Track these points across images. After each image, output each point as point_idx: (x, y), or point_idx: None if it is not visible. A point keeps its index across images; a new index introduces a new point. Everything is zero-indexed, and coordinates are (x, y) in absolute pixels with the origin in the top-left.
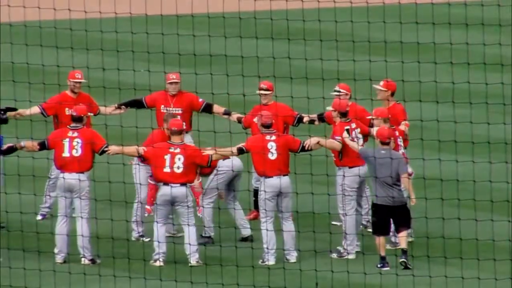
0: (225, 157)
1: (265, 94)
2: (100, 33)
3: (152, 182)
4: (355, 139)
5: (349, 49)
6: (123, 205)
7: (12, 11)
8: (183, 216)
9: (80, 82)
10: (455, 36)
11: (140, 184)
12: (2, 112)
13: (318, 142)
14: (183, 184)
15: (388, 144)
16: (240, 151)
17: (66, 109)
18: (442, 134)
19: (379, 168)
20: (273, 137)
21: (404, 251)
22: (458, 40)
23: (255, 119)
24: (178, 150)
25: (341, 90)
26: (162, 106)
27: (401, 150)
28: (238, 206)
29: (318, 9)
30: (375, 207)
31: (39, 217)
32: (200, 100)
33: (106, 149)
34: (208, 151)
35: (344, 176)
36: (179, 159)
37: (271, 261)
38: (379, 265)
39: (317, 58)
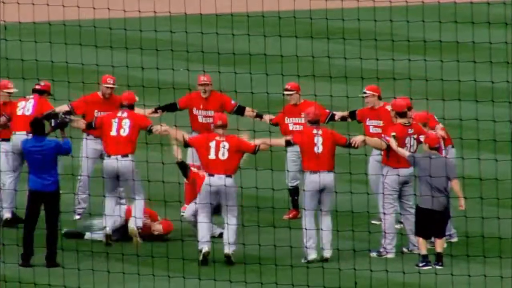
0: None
1: (290, 94)
2: (139, 32)
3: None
4: (407, 146)
5: (388, 48)
6: (162, 204)
7: (51, 10)
8: (225, 209)
9: (112, 88)
10: (495, 35)
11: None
12: (68, 112)
13: (364, 140)
14: (228, 175)
15: (437, 149)
16: (288, 144)
17: (96, 111)
18: (481, 133)
19: (429, 173)
20: (320, 131)
21: (439, 256)
22: (497, 39)
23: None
24: (223, 138)
25: (367, 92)
26: (195, 108)
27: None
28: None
29: (358, 9)
30: (418, 210)
31: (76, 217)
32: (233, 102)
33: (152, 127)
34: (257, 141)
35: (385, 175)
36: (223, 146)
37: (312, 255)
38: (420, 264)
39: (356, 57)
